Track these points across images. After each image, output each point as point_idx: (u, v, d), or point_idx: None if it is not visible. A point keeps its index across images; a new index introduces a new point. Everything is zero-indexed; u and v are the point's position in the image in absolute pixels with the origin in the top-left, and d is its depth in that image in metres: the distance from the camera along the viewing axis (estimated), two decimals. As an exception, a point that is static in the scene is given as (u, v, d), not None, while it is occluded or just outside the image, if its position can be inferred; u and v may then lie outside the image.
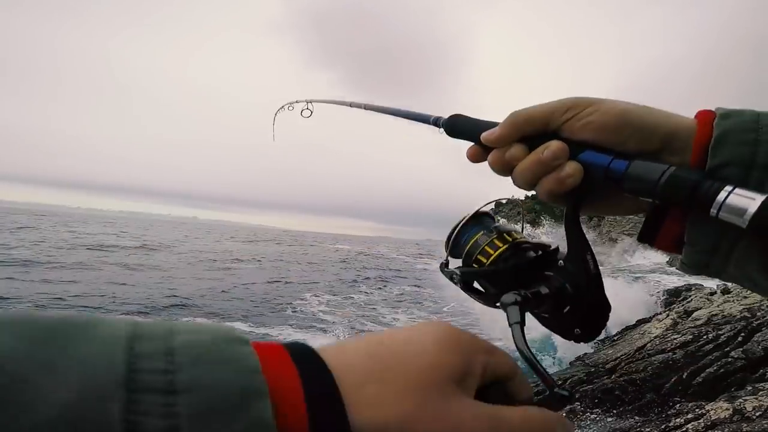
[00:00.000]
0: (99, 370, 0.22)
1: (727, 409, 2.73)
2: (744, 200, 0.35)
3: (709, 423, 2.70)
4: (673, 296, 8.33)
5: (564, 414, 0.44)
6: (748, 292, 4.99)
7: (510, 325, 0.43)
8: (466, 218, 0.54)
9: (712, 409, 2.82)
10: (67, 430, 0.20)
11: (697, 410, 2.95)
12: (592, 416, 3.63)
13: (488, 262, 0.50)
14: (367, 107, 0.89)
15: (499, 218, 0.57)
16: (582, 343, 0.51)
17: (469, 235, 0.53)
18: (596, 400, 3.85)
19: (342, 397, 0.27)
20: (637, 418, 3.44)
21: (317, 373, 0.28)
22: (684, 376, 3.70)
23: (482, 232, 0.52)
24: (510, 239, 0.51)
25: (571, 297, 0.47)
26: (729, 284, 5.84)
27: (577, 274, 0.46)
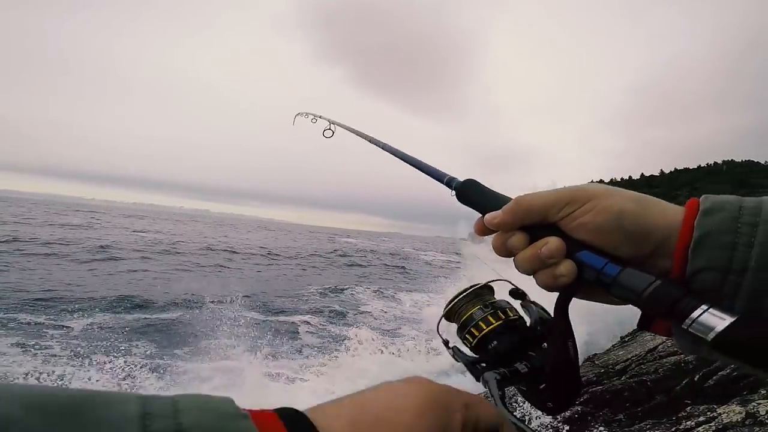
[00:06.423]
0: None
1: (740, 413, 2.68)
2: (714, 320, 0.39)
3: (720, 426, 2.66)
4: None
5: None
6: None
7: (490, 396, 0.49)
8: (468, 290, 0.60)
9: (723, 413, 2.77)
10: None
11: (708, 413, 2.91)
12: (601, 418, 3.60)
13: (479, 336, 0.57)
14: (385, 148, 0.94)
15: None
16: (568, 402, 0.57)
17: (466, 307, 0.59)
18: (605, 402, 3.82)
19: None
20: (647, 420, 3.39)
21: None
22: (696, 379, 3.64)
23: (479, 306, 0.58)
24: (503, 317, 0.57)
25: (548, 377, 0.52)
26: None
27: (557, 358, 0.51)
